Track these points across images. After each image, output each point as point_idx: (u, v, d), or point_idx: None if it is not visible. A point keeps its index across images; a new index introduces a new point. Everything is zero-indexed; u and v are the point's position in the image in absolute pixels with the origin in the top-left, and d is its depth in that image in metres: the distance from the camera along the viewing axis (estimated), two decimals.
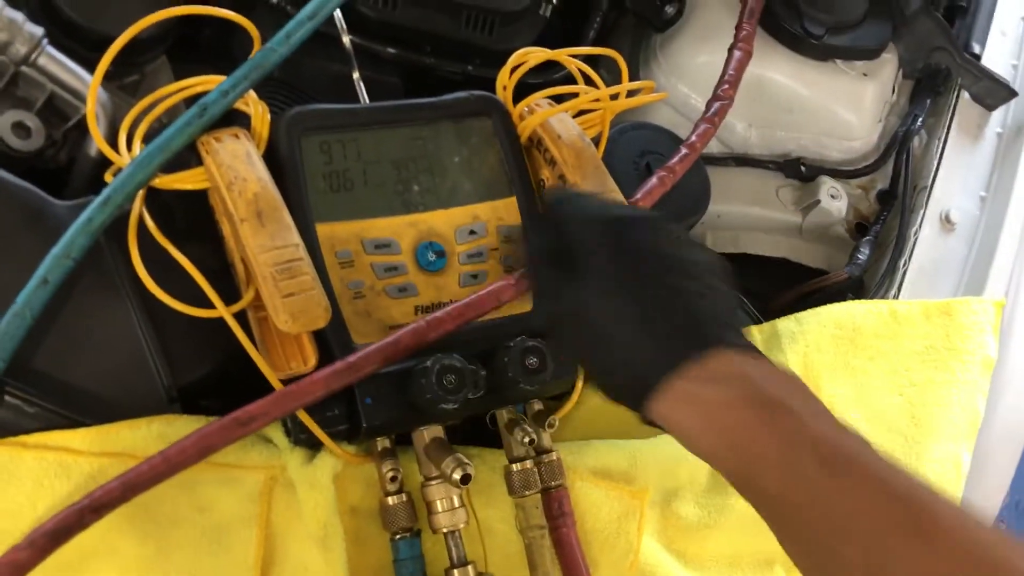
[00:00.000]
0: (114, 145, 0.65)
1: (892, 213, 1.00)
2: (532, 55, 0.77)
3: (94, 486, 0.58)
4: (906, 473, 0.44)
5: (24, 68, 0.69)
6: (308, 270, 0.61)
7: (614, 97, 0.78)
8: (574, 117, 0.77)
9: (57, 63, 0.70)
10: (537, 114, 0.74)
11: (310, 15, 0.70)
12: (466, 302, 0.67)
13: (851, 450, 0.46)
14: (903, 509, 0.43)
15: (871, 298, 0.93)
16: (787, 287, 0.97)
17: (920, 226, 0.97)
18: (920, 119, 1.03)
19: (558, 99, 0.77)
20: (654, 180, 0.78)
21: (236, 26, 0.67)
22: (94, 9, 0.74)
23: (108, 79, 0.75)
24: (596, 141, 0.79)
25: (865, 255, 0.96)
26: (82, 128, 0.71)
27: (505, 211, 0.73)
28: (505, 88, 0.76)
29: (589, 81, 0.79)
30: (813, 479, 0.44)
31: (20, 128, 0.69)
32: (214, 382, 0.68)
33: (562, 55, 0.79)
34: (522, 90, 0.77)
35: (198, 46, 0.83)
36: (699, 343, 0.49)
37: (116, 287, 0.64)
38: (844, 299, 0.91)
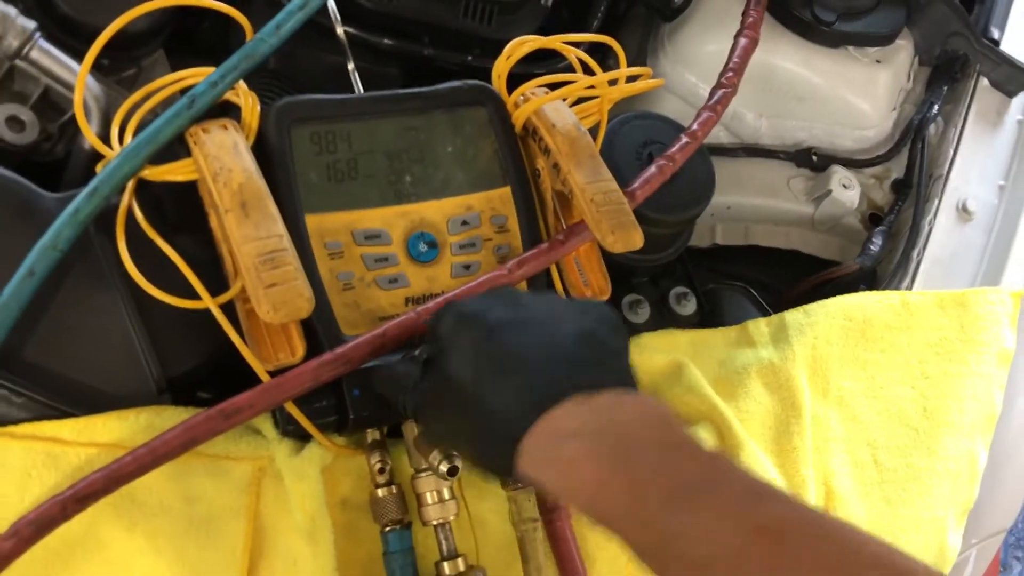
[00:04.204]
0: (107, 138, 0.65)
1: (907, 203, 0.98)
2: (527, 43, 0.76)
3: (82, 476, 0.58)
4: (755, 487, 0.46)
5: (18, 62, 0.70)
6: (291, 260, 0.61)
7: (614, 84, 0.77)
8: (572, 106, 0.76)
9: (50, 57, 0.70)
10: (531, 102, 0.73)
11: (300, 5, 0.69)
12: (456, 293, 0.66)
13: (697, 480, 0.46)
14: (751, 531, 0.43)
15: (884, 289, 0.91)
16: (798, 279, 0.95)
17: (936, 216, 0.94)
18: (936, 106, 1.01)
19: (556, 88, 0.76)
20: (652, 169, 0.77)
21: (233, 19, 0.67)
22: (87, 3, 0.74)
23: (105, 73, 0.75)
24: (596, 131, 0.78)
25: (878, 245, 0.94)
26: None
27: (499, 201, 0.73)
28: (500, 77, 0.75)
29: (588, 70, 0.78)
30: (658, 523, 0.45)
31: (14, 122, 0.70)
32: (206, 373, 0.68)
33: (558, 42, 0.78)
34: (523, 81, 0.75)
35: (195, 40, 0.83)
36: (554, 392, 0.50)
37: (105, 278, 0.64)
38: (856, 291, 0.89)
